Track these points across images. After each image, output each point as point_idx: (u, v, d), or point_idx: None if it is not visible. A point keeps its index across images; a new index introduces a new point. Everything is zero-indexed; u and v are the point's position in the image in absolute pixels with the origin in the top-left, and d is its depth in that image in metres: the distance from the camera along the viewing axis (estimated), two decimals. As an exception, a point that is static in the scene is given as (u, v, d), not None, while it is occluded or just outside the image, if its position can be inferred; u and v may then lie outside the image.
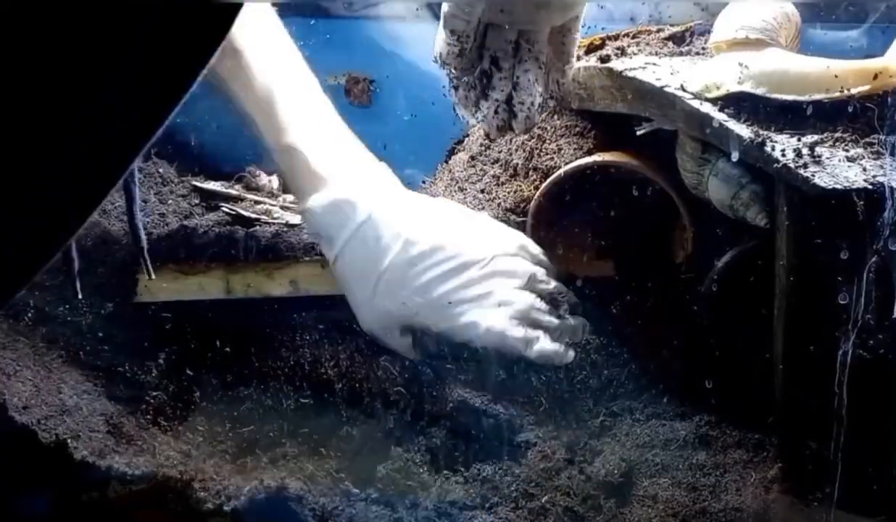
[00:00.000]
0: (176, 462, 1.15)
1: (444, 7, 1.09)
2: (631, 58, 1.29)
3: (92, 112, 0.61)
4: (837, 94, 1.03)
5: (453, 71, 1.16)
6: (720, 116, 1.07)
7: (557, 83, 1.20)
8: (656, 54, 1.31)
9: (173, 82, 0.62)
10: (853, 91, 1.02)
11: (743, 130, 1.04)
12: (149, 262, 1.00)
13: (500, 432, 1.24)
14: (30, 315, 1.25)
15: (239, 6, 0.62)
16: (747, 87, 1.06)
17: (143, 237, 0.96)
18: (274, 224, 1.43)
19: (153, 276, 1.04)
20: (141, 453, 1.16)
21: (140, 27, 0.59)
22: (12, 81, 0.58)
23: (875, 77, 1.02)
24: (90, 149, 0.62)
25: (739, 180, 1.12)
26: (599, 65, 1.29)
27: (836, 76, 1.03)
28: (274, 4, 1.58)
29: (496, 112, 1.13)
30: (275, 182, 1.63)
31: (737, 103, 1.07)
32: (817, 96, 1.04)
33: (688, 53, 1.31)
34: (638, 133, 1.23)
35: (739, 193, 1.13)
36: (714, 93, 1.09)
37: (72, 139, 0.61)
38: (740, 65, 1.07)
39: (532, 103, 1.16)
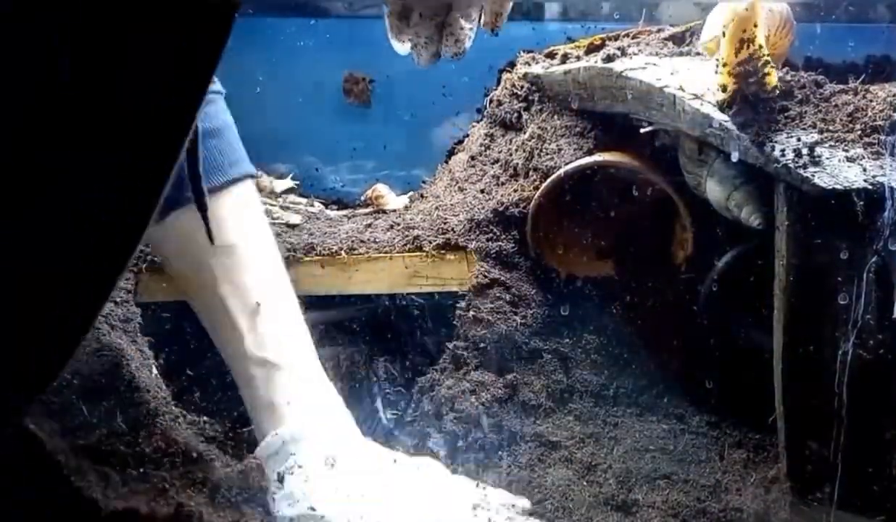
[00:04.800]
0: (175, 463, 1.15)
1: None
2: (631, 58, 1.29)
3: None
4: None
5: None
6: (720, 117, 1.07)
7: (497, 16, 1.11)
8: (656, 54, 1.31)
9: (188, 88, 0.63)
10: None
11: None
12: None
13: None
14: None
15: (237, 5, 0.62)
16: None
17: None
18: (274, 224, 1.43)
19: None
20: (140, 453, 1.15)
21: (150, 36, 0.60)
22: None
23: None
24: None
25: (734, 181, 1.12)
26: (599, 65, 1.29)
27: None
28: (276, 5, 1.59)
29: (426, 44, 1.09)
30: (275, 182, 1.63)
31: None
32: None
33: (688, 53, 1.31)
34: (641, 131, 1.23)
35: (733, 194, 1.12)
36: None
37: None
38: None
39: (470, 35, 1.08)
